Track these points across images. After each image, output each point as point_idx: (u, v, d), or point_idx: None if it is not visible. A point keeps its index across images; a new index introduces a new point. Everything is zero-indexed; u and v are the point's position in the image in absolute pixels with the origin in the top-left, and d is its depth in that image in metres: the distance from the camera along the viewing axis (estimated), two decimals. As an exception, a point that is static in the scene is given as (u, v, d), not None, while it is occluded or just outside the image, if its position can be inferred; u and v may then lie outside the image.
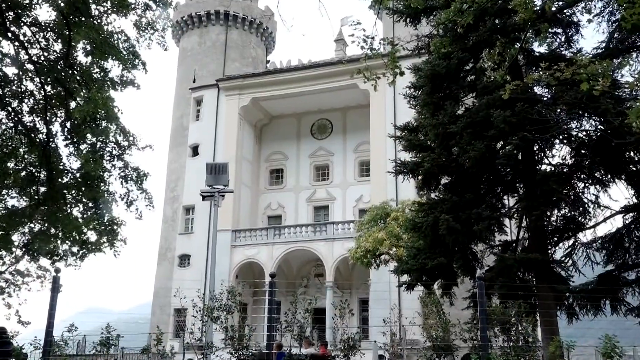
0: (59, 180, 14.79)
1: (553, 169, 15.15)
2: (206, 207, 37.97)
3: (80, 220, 15.07)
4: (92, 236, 15.54)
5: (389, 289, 30.61)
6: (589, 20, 11.23)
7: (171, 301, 37.09)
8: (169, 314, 37.97)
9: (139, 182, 15.41)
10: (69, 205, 15.13)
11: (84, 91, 14.08)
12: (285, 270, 38.66)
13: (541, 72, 9.80)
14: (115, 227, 15.49)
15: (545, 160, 15.65)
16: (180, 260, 39.52)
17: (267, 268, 35.82)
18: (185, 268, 38.99)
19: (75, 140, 14.68)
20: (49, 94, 14.23)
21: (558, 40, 15.48)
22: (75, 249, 15.82)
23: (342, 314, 14.84)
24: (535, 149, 15.52)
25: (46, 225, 15.71)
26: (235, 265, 37.13)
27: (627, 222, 14.93)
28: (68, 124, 14.56)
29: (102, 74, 14.66)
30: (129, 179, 15.21)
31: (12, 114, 14.47)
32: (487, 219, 14.46)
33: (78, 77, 14.22)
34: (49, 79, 14.01)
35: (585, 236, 15.66)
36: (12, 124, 14.67)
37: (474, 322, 14.18)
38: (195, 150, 41.49)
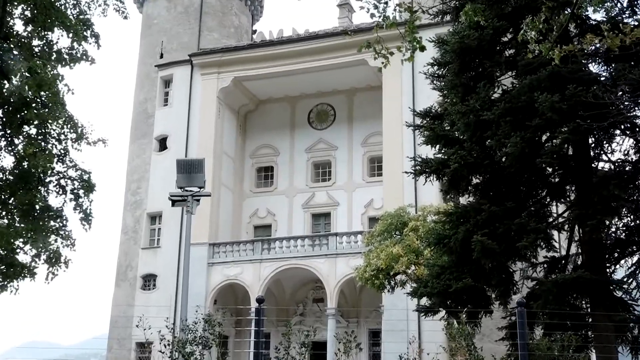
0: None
1: (613, 167, 15.14)
2: (177, 214, 37.90)
3: (11, 231, 14.94)
4: (25, 256, 15.39)
5: (407, 317, 30.55)
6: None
7: (132, 333, 37.03)
8: (130, 348, 37.92)
9: (85, 192, 15.31)
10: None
11: (22, 69, 14.07)
12: (276, 294, 38.58)
13: (602, 38, 9.73)
14: (58, 245, 15.37)
15: (603, 157, 15.64)
16: (143, 281, 39.49)
17: (253, 291, 35.81)
18: (151, 291, 38.96)
19: (9, 132, 14.67)
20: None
21: (619, 4, 15.47)
22: None
23: (347, 349, 14.78)
24: (590, 142, 15.52)
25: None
26: (214, 287, 37.11)
27: None
28: (0, 112, 14.56)
29: (45, 47, 14.66)
30: (70, 188, 15.14)
31: None
32: (533, 232, 14.45)
33: (15, 52, 14.22)
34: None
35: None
36: None
37: (511, 358, 14.16)
38: (162, 144, 41.48)
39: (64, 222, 15.56)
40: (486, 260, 14.59)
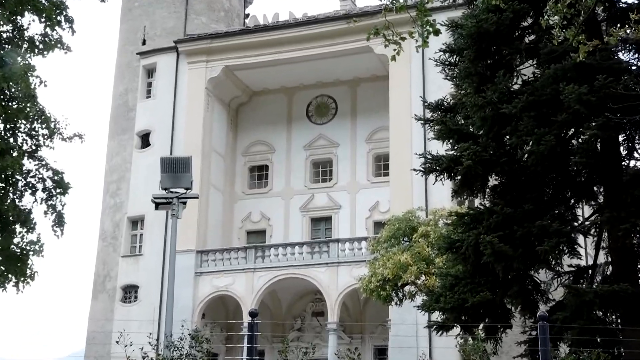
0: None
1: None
2: (161, 219, 37.86)
3: None
4: None
5: (416, 333, 30.50)
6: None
7: (112, 350, 36.96)
8: (109, 367, 37.88)
9: (60, 192, 15.31)
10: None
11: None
12: (272, 307, 38.54)
13: (631, 27, 9.72)
14: (27, 253, 15.36)
15: (636, 154, 15.63)
16: (124, 293, 39.44)
17: (245, 304, 35.75)
18: (132, 304, 38.92)
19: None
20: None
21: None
22: None
23: (350, 367, 14.78)
24: (621, 138, 15.50)
25: None
26: (202, 299, 37.06)
27: None
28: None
29: (16, 33, 14.64)
30: (43, 188, 15.13)
31: None
32: (555, 235, 14.43)
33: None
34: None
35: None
36: None
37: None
38: (145, 140, 41.42)
39: (32, 225, 15.54)
40: (498, 265, 14.55)
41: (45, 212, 15.71)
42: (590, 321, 14.41)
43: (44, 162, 15.51)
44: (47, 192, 15.52)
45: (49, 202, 15.51)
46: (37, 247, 15.54)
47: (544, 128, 14.37)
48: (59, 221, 15.59)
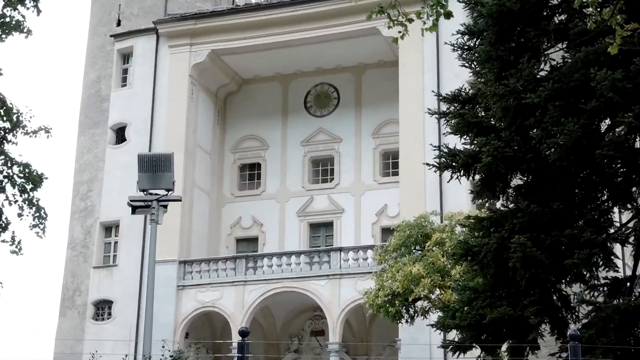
0: None
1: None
2: (138, 224, 37.91)
3: None
4: None
5: (430, 355, 30.55)
6: None
7: (82, 374, 37.08)
8: (79, 394, 37.93)
9: (32, 187, 15.37)
10: None
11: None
12: (265, 326, 38.58)
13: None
14: None
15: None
16: (96, 309, 39.50)
17: (235, 322, 35.83)
18: (105, 322, 38.98)
19: None
20: None
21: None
22: None
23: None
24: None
25: None
26: (185, 317, 37.11)
27: None
28: None
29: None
30: (9, 182, 15.19)
31: None
32: (587, 245, 14.45)
33: None
34: None
35: None
36: None
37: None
38: (120, 134, 41.48)
39: (2, 224, 15.62)
40: (525, 271, 14.55)
41: (20, 214, 15.69)
42: (618, 339, 14.44)
43: (8, 157, 15.54)
44: (19, 188, 15.53)
45: (24, 197, 15.55)
46: (15, 247, 15.57)
47: (572, 118, 14.39)
48: (40, 217, 15.63)
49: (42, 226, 15.77)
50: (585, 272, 15.18)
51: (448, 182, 17.61)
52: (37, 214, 15.64)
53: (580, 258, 14.41)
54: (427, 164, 17.53)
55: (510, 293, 15.25)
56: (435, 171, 17.15)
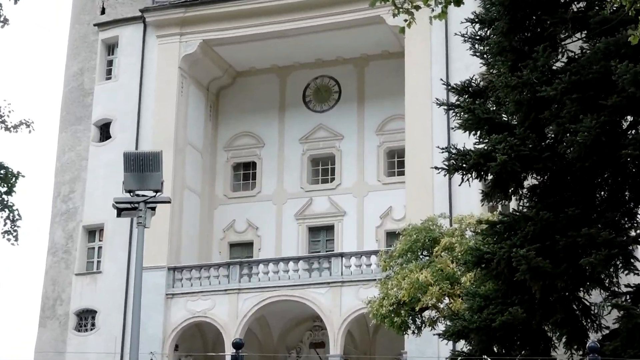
0: None
1: None
2: (124, 228, 37.95)
3: None
4: None
5: (438, 368, 30.60)
6: None
7: (64, 390, 37.12)
8: (60, 411, 37.96)
9: (7, 191, 15.40)
10: None
11: None
12: (261, 337, 38.60)
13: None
14: None
15: None
16: (79, 319, 39.50)
17: (228, 333, 35.84)
18: (88, 333, 38.99)
19: None
20: None
21: None
22: None
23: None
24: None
25: None
26: (174, 327, 37.11)
27: None
28: None
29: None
30: None
31: None
32: (605, 246, 14.47)
33: None
34: None
35: None
36: None
37: None
38: (104, 131, 41.48)
39: None
40: (536, 285, 14.59)
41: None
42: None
43: None
44: None
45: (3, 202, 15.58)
46: None
47: (591, 114, 14.41)
48: (13, 221, 15.65)
49: (14, 233, 15.77)
50: (604, 276, 15.19)
51: (459, 185, 17.61)
52: (10, 219, 15.64)
53: (598, 258, 14.42)
54: (436, 168, 17.56)
55: (523, 300, 15.27)
56: (445, 174, 17.16)
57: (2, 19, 15.30)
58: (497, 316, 15.20)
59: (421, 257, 25.95)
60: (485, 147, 16.33)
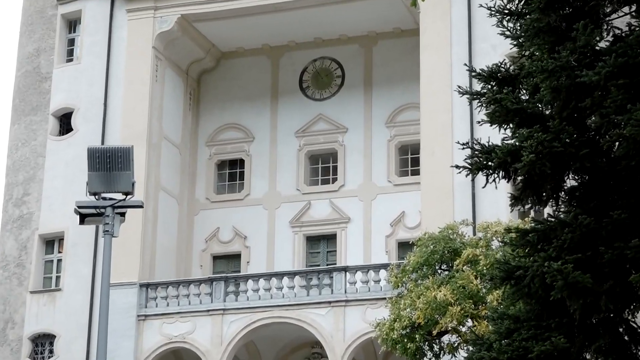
0: None
1: None
2: (88, 238, 38.01)
3: None
4: None
5: (459, 403, 30.69)
6: None
7: None
8: None
9: None
10: None
11: None
12: (249, 366, 38.74)
13: None
14: None
15: None
16: (34, 345, 39.56)
17: (211, 361, 35.98)
18: (46, 361, 39.09)
19: None
20: None
21: None
22: None
23: None
24: None
25: None
26: (148, 355, 37.17)
27: None
28: None
29: None
30: None
31: None
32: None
33: None
34: None
35: None
36: None
37: None
38: (65, 123, 41.55)
39: None
40: (575, 304, 14.61)
41: None
42: None
43: None
44: None
45: None
46: None
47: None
48: None
49: None
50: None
51: (484, 187, 17.59)
52: None
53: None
54: (456, 166, 17.52)
55: (561, 323, 15.27)
56: (467, 174, 17.14)
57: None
58: (530, 343, 15.19)
59: (439, 271, 26.04)
60: (514, 143, 16.33)
